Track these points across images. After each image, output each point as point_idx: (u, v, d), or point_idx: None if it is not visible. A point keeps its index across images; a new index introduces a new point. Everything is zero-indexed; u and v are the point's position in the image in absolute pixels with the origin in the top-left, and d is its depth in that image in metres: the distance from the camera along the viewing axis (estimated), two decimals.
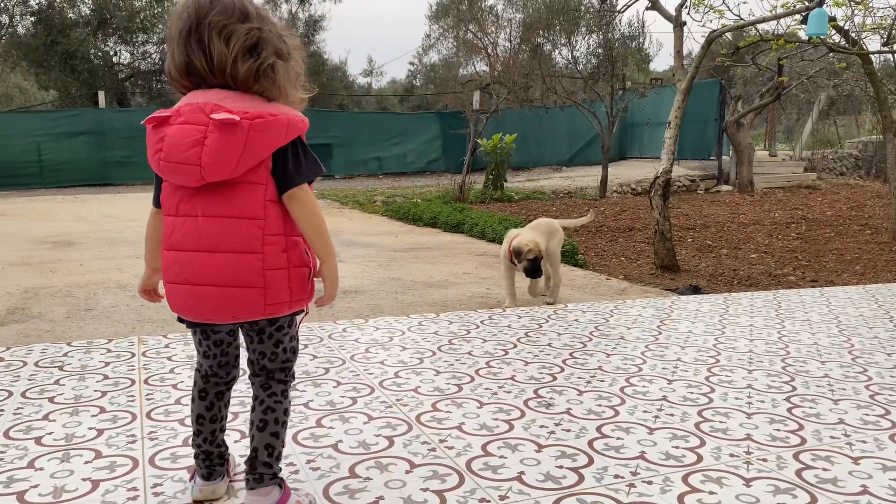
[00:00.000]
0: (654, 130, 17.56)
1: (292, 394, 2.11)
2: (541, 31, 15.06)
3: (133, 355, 3.15)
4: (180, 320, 1.77)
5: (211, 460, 1.87)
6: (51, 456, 2.12)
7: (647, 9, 6.92)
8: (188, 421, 2.36)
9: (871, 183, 17.08)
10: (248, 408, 1.89)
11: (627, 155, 20.14)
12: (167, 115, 1.63)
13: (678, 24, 6.49)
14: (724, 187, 15.31)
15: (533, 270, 4.39)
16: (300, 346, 2.93)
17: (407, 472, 2.01)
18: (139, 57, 21.56)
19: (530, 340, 3.43)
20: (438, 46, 25.44)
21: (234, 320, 1.70)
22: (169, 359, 3.10)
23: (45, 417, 2.41)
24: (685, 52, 6.69)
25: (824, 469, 2.03)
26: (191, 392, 1.90)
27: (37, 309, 4.49)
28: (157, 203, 1.74)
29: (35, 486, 1.95)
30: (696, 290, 5.63)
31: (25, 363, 3.03)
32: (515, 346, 3.33)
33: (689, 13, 6.95)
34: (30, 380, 2.81)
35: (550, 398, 2.64)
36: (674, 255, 6.72)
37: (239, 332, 1.85)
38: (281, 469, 1.81)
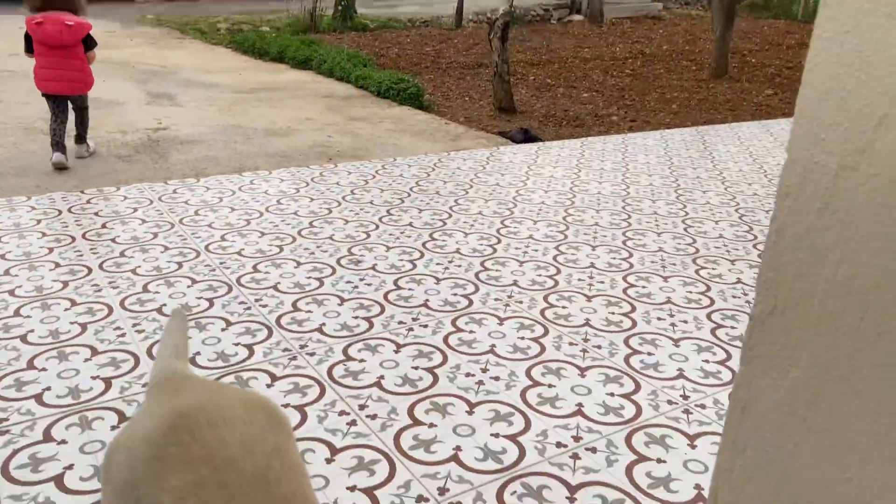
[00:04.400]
0: None
1: (121, 260, 2.73)
2: None
3: (60, 212, 3.36)
4: (44, 96, 4.36)
5: (61, 145, 4.31)
6: (32, 305, 2.43)
7: None
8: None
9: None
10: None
11: None
12: (41, 20, 4.10)
13: None
14: (576, 17, 15.62)
15: None
16: (131, 212, 3.18)
17: (223, 329, 2.37)
18: None
19: (354, 198, 3.76)
20: None
21: (73, 93, 4.38)
22: (97, 214, 3.32)
23: (7, 272, 2.65)
24: None
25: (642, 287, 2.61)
26: (50, 142, 4.35)
27: None
28: (29, 53, 4.28)
29: (31, 331, 2.28)
30: (525, 132, 6.09)
31: None
32: (339, 203, 3.66)
33: None
34: None
35: (361, 255, 3.03)
36: (511, 96, 7.11)
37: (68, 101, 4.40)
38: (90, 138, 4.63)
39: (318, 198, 3.75)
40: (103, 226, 3.22)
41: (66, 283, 2.64)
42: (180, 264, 2.86)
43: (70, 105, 4.45)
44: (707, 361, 2.28)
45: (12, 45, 9.70)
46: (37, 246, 2.99)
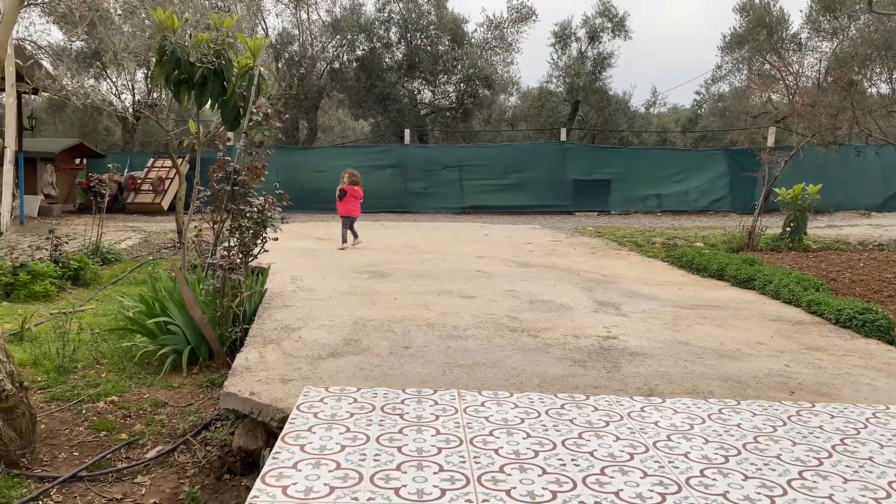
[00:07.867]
0: None
1: (603, 479, 2.33)
2: (855, 67, 13.63)
3: (456, 410, 3.60)
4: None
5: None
6: None
7: None
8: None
9: None
10: None
11: None
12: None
13: None
14: None
15: None
16: (603, 425, 3.15)
17: None
18: (440, 96, 23.83)
19: (847, 450, 3.23)
20: (730, 78, 24.18)
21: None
22: (487, 419, 3.49)
23: (398, 468, 2.90)
24: None
25: None
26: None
27: (366, 342, 5.28)
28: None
29: None
30: None
31: (373, 407, 3.64)
32: (830, 455, 3.17)
33: None
34: (380, 425, 3.37)
35: None
36: None
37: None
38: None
39: (801, 442, 3.32)
40: (580, 436, 3.29)
41: (554, 494, 2.69)
42: (663, 497, 2.71)
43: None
44: None
45: (477, 248, 11.47)
46: (524, 446, 3.16)
